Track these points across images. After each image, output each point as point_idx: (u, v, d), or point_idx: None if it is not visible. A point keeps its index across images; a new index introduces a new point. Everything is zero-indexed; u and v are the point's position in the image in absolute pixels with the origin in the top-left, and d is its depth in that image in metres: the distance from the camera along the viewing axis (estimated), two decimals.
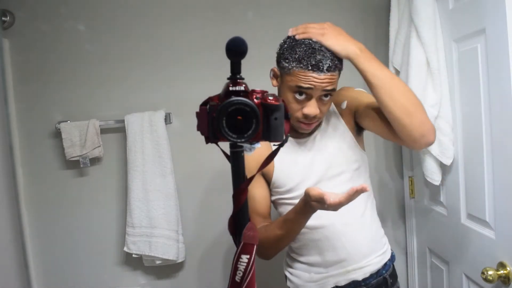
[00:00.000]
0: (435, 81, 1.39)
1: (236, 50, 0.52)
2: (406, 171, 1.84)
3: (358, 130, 1.20)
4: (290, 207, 1.13)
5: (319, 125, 1.17)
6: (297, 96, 1.04)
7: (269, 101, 0.57)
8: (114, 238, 1.86)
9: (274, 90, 1.05)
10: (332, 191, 1.10)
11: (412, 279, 1.84)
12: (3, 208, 1.56)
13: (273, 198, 1.20)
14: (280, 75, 1.08)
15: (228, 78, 0.55)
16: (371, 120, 1.11)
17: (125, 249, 1.77)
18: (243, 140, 0.54)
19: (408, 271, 1.87)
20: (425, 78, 1.40)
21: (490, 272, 1.12)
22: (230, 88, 0.54)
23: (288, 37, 1.07)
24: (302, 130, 1.12)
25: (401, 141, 1.05)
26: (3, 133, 1.64)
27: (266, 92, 0.59)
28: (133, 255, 1.78)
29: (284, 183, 1.15)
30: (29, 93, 1.81)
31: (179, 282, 1.89)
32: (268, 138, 0.57)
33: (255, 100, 0.56)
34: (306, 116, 1.05)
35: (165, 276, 1.89)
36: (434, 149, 1.40)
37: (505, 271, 1.11)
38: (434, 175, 1.46)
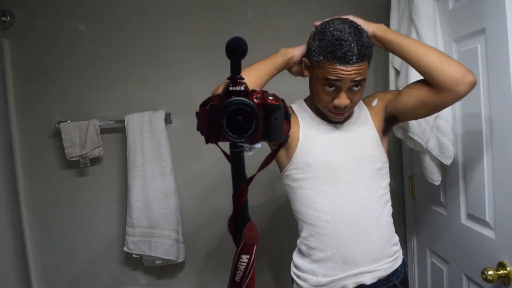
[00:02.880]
0: None
1: (236, 50, 0.52)
2: (406, 171, 1.84)
3: (384, 130, 1.21)
4: (306, 191, 1.15)
5: (349, 116, 1.19)
6: (327, 88, 1.06)
7: (269, 101, 0.57)
8: (114, 238, 1.86)
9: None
10: (351, 185, 1.13)
11: (412, 279, 1.83)
12: (3, 208, 1.56)
13: (290, 174, 1.17)
14: (311, 66, 1.11)
15: (228, 78, 0.55)
16: (406, 95, 1.15)
17: (125, 249, 1.77)
18: (243, 140, 0.54)
19: (408, 271, 1.87)
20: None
21: (490, 272, 1.12)
22: (230, 88, 0.54)
23: (316, 29, 1.09)
24: (334, 119, 1.15)
25: (443, 94, 1.06)
26: (3, 133, 1.64)
27: (266, 92, 0.59)
28: (133, 255, 1.78)
29: (304, 158, 1.14)
30: (29, 93, 1.81)
31: (179, 282, 1.89)
32: (268, 138, 0.57)
33: (255, 100, 0.56)
34: (336, 107, 1.08)
35: (165, 276, 1.89)
36: (434, 149, 1.40)
37: (505, 271, 1.11)
38: (434, 175, 1.45)
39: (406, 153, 1.84)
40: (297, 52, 1.14)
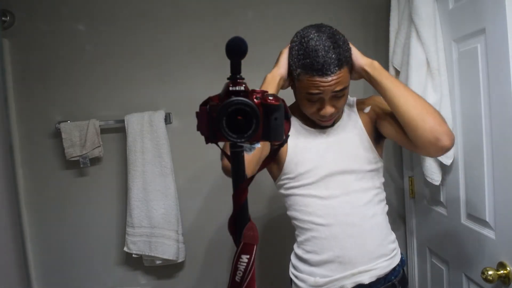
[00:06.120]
0: (435, 81, 1.39)
1: (236, 50, 0.52)
2: (406, 171, 1.84)
3: (377, 137, 1.20)
4: (299, 197, 1.14)
5: (338, 119, 1.19)
6: (310, 100, 1.07)
7: (269, 101, 0.57)
8: (114, 238, 1.86)
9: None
10: (343, 187, 1.12)
11: (412, 279, 1.84)
12: (3, 208, 1.56)
13: (283, 183, 1.18)
14: (292, 79, 1.10)
15: (228, 78, 0.55)
16: (389, 125, 1.13)
17: (125, 249, 1.77)
18: (243, 140, 0.54)
19: (408, 271, 1.87)
20: (425, 78, 1.40)
21: (490, 272, 1.12)
22: (230, 88, 0.54)
23: (293, 41, 1.08)
24: (324, 125, 1.15)
25: (416, 148, 1.06)
26: (3, 133, 1.64)
27: (266, 92, 0.59)
28: (133, 255, 1.78)
29: (295, 167, 1.14)
30: (29, 93, 1.81)
31: (179, 282, 1.89)
32: (268, 138, 0.57)
33: (255, 100, 0.56)
34: (322, 116, 1.08)
35: (165, 276, 1.89)
36: None
37: (505, 271, 1.11)
38: (434, 175, 1.46)
39: (406, 153, 1.84)
40: (283, 70, 1.09)
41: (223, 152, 0.63)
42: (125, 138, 1.77)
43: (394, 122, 1.11)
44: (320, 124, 1.14)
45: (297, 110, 1.19)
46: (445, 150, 1.02)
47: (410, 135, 1.03)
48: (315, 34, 1.02)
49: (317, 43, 1.00)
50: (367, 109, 1.20)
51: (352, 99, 1.24)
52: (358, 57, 1.09)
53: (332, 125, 1.17)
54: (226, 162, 1.01)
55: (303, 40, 1.03)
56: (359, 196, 1.14)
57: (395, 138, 1.14)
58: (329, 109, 1.06)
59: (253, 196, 1.80)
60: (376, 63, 1.09)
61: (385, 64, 1.71)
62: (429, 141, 1.00)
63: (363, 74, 1.10)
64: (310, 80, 1.02)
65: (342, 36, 1.05)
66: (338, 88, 1.03)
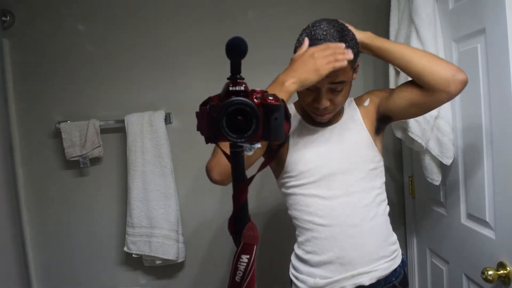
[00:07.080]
0: None
1: (236, 50, 0.52)
2: (406, 171, 1.84)
3: (378, 127, 1.20)
4: (300, 197, 1.14)
5: (339, 117, 1.18)
6: (307, 89, 1.05)
7: (269, 101, 0.57)
8: (114, 238, 1.86)
9: None
10: (344, 187, 1.12)
11: (412, 279, 1.84)
12: (3, 208, 1.56)
13: (284, 182, 1.18)
14: None
15: (228, 78, 0.55)
16: (398, 95, 1.14)
17: (125, 249, 1.77)
18: (243, 140, 0.54)
19: (408, 271, 1.87)
20: None
21: (490, 272, 1.12)
22: (230, 88, 0.54)
23: (303, 30, 1.08)
24: (318, 120, 1.14)
25: (435, 95, 1.06)
26: (3, 133, 1.64)
27: (266, 92, 0.59)
28: (133, 255, 1.78)
29: (296, 166, 1.14)
30: (29, 93, 1.81)
31: (179, 282, 1.90)
32: (268, 138, 0.57)
33: (255, 100, 0.56)
34: (317, 108, 1.08)
35: (165, 276, 1.89)
36: (434, 149, 1.40)
37: (505, 271, 1.11)
38: (434, 175, 1.46)
39: (406, 153, 1.84)
40: (305, 86, 1.02)
41: (223, 152, 0.63)
42: (125, 138, 1.77)
43: (402, 90, 1.13)
44: (315, 118, 1.13)
45: (300, 108, 1.19)
46: (464, 83, 1.04)
47: (428, 81, 1.04)
48: (325, 25, 1.03)
49: (324, 32, 1.01)
50: (367, 102, 1.21)
51: (349, 99, 1.24)
52: (355, 33, 1.08)
53: (333, 123, 1.17)
54: (212, 164, 0.99)
55: (312, 29, 1.04)
56: (360, 197, 1.13)
57: (408, 103, 1.12)
58: (324, 102, 1.05)
59: (253, 195, 1.80)
60: (369, 33, 1.11)
61: (385, 64, 1.71)
62: (448, 78, 1.03)
63: (362, 48, 1.10)
64: None
65: (352, 34, 1.05)
66: (336, 80, 1.02)
